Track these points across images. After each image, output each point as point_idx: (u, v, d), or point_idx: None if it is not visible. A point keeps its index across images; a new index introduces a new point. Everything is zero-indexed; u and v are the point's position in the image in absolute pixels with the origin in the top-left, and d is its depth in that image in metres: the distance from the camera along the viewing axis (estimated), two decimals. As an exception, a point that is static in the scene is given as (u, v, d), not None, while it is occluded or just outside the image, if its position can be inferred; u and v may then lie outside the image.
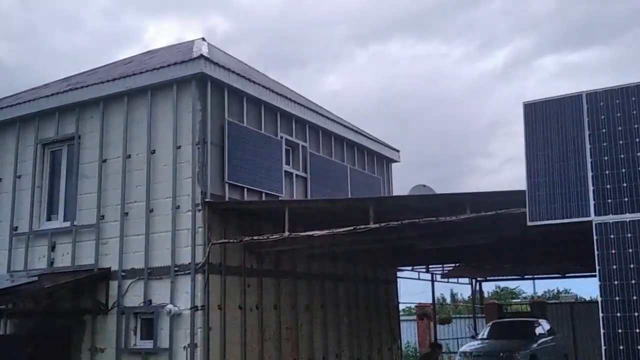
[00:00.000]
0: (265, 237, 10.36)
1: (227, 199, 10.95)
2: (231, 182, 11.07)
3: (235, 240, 10.70)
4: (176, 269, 10.39)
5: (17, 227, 12.31)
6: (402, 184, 18.13)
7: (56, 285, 10.60)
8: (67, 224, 11.79)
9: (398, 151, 17.45)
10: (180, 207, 10.56)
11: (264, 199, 11.86)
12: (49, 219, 12.20)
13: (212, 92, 10.99)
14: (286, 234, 9.89)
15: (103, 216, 11.32)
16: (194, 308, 10.10)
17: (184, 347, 10.04)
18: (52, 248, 11.77)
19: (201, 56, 10.86)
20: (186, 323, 10.09)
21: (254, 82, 12.01)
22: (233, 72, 11.47)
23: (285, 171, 12.66)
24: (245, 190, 11.45)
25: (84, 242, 11.42)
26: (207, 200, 10.49)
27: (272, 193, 12.05)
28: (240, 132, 11.47)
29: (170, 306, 10.18)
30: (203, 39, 14.05)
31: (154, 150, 11.03)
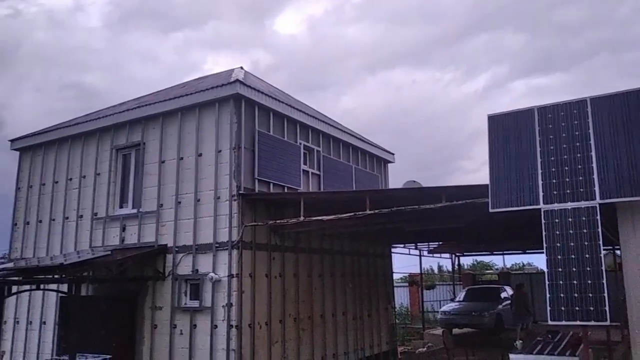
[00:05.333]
0: (286, 221, 10.37)
1: (256, 191, 10.97)
2: (260, 178, 11.08)
3: (262, 223, 10.72)
4: (217, 245, 10.44)
5: (96, 213, 12.45)
6: (400, 181, 18.00)
7: (125, 258, 10.69)
8: (135, 210, 11.89)
9: (393, 154, 17.35)
10: (220, 197, 10.60)
11: (285, 191, 11.86)
12: (121, 206, 12.31)
13: (245, 108, 11.01)
14: (302, 218, 9.90)
15: (162, 204, 11.40)
16: (230, 276, 10.15)
17: (223, 305, 10.09)
18: (123, 229, 11.88)
19: (237, 81, 10.88)
20: (224, 287, 10.14)
21: (278, 101, 12.01)
22: (262, 92, 11.48)
23: (303, 170, 12.64)
24: (271, 184, 11.45)
25: (147, 225, 11.51)
26: (241, 192, 10.51)
27: (292, 187, 12.04)
28: (268, 139, 11.48)
29: (212, 274, 10.24)
30: (241, 67, 14.08)
31: (201, 154, 11.07)
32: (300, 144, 12.72)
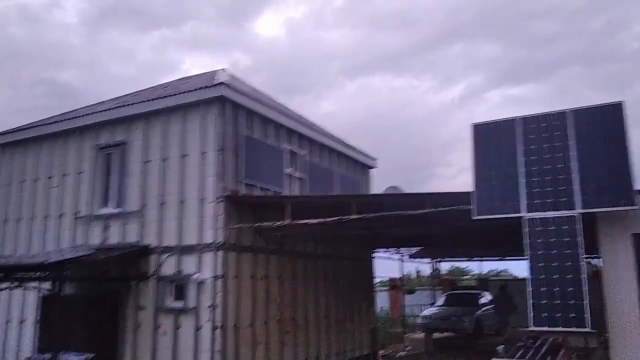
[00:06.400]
0: (271, 224, 10.42)
1: (241, 193, 10.99)
2: (244, 181, 11.11)
3: (247, 226, 10.75)
4: (201, 246, 10.43)
5: (78, 212, 12.33)
6: (378, 185, 18.11)
7: (109, 257, 10.61)
8: (118, 210, 11.79)
9: (375, 159, 17.49)
10: (205, 199, 10.59)
11: (270, 194, 11.90)
12: (103, 206, 12.18)
13: (230, 111, 11.03)
14: (287, 221, 9.97)
15: (145, 205, 11.35)
16: (215, 277, 10.15)
17: (207, 306, 10.08)
18: (106, 228, 11.79)
19: (222, 83, 10.87)
20: (209, 288, 10.13)
21: (263, 104, 12.05)
22: (247, 95, 11.52)
23: (287, 173, 12.70)
24: (256, 187, 11.49)
25: (131, 224, 11.44)
26: (226, 194, 10.53)
27: (277, 190, 12.10)
28: (252, 142, 11.52)
29: (197, 275, 10.24)
30: (224, 69, 14.05)
31: (185, 155, 11.05)
32: (285, 147, 12.78)
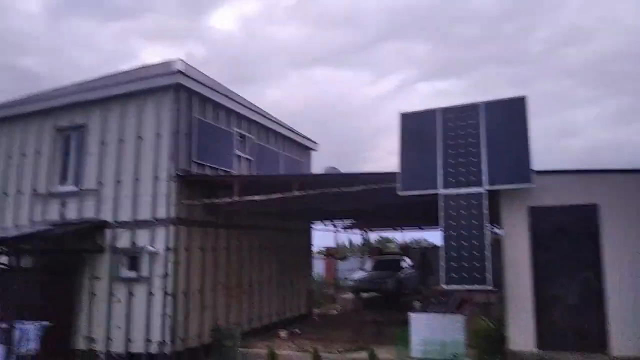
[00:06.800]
0: (220, 200, 10.14)
1: (193, 173, 10.61)
2: (196, 161, 10.73)
3: (198, 202, 10.41)
4: (155, 221, 10.02)
5: (36, 189, 11.52)
6: (319, 166, 18.01)
7: (66, 231, 10.02)
8: (75, 188, 11.11)
9: (316, 143, 17.39)
10: (158, 177, 10.15)
11: (220, 173, 11.56)
12: (61, 184, 11.45)
13: (184, 97, 10.57)
14: (235, 198, 9.72)
15: (102, 183, 10.74)
16: (167, 249, 9.79)
17: (159, 276, 9.74)
18: (63, 205, 11.08)
19: (178, 71, 10.43)
20: (161, 259, 9.78)
21: (215, 91, 11.63)
22: (201, 83, 11.06)
23: (236, 154, 12.38)
24: (207, 167, 11.13)
25: (87, 201, 10.82)
26: (178, 173, 10.13)
27: (226, 169, 11.76)
28: (204, 125, 11.11)
29: (149, 247, 9.85)
30: (181, 59, 13.44)
31: (141, 137, 10.51)
32: (235, 131, 12.42)
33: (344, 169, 13.88)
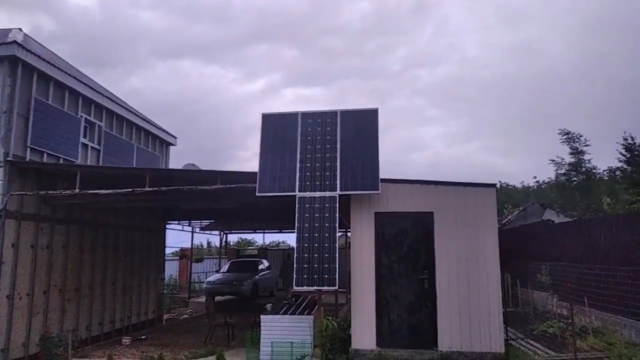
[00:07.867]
0: (58, 192, 9.22)
1: (28, 159, 9.47)
2: (32, 146, 9.60)
3: (31, 193, 9.32)
4: (-26, 213, 8.70)
5: None
6: (182, 162, 17.36)
7: None
8: None
9: (175, 137, 16.70)
10: (-18, 162, 8.86)
11: (61, 162, 10.48)
12: None
13: (22, 73, 9.43)
14: (77, 191, 8.92)
15: None
16: (-12, 245, 8.57)
17: (-24, 276, 8.48)
18: None
19: (14, 42, 9.24)
20: (-20, 257, 8.53)
21: (61, 70, 10.54)
22: (43, 59, 9.94)
23: (82, 143, 11.33)
24: (45, 154, 10.01)
25: None
26: (8, 159, 8.96)
27: (69, 159, 10.71)
28: (45, 107, 10.00)
29: (-35, 243, 8.51)
30: (20, 29, 11.87)
31: (-39, 113, 9.07)
32: (82, 116, 11.38)
33: (210, 167, 13.57)
